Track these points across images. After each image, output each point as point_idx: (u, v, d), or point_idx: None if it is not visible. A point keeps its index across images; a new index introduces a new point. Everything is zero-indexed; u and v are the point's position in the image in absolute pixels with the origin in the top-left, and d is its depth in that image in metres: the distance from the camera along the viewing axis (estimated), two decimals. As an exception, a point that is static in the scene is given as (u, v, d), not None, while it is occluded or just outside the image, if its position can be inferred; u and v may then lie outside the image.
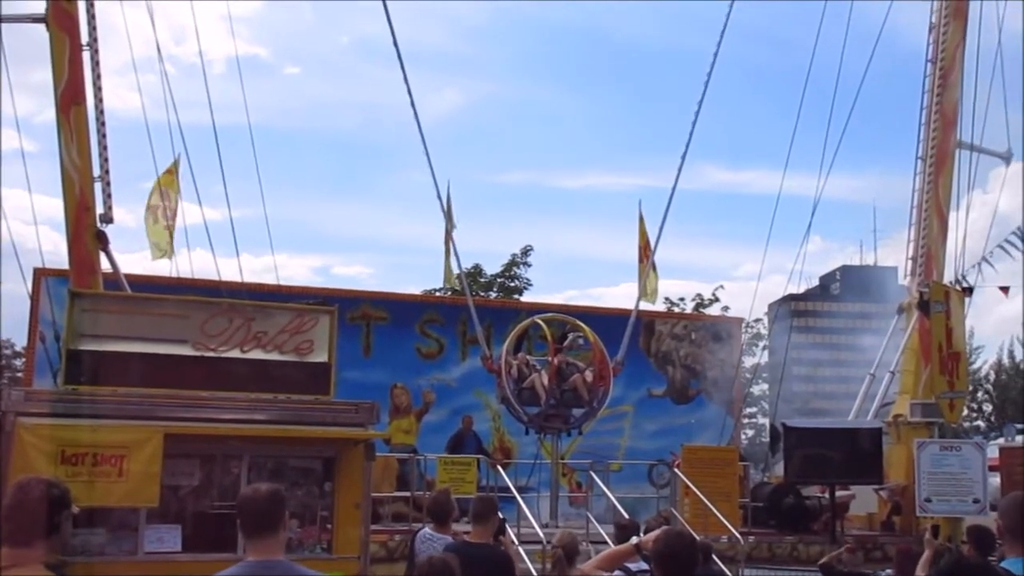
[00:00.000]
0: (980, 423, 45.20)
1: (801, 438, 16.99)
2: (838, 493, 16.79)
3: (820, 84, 20.83)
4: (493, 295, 34.04)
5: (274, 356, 10.07)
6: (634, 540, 5.61)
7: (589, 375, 16.44)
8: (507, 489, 14.71)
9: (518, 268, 35.81)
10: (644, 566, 7.59)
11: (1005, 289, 19.01)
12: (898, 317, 19.14)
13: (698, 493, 15.10)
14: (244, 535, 4.25)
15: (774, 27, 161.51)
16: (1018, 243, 18.92)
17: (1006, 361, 46.03)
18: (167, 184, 16.69)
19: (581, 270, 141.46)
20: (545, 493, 16.55)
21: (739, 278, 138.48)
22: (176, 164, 16.72)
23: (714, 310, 36.76)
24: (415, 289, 35.18)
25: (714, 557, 11.50)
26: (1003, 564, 4.88)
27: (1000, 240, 19.26)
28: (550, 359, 16.49)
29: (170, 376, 9.72)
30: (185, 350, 9.85)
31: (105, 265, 14.87)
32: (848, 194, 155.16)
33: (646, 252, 18.84)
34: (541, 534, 12.57)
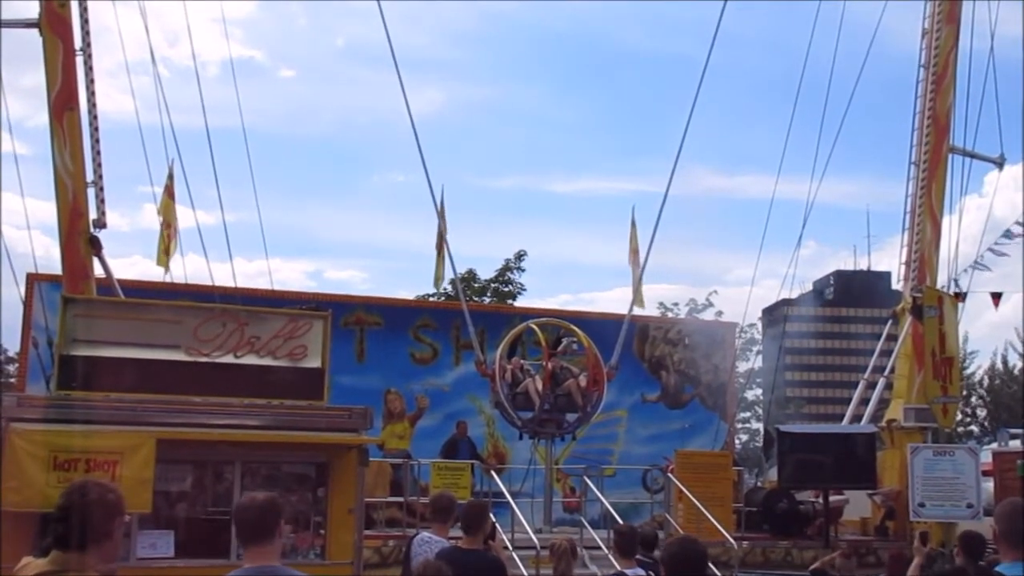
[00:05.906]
0: (974, 428, 45.18)
1: (795, 443, 17.01)
2: (832, 498, 16.78)
3: (813, 88, 20.87)
4: (487, 300, 33.98)
5: (267, 361, 10.06)
6: None
7: (583, 380, 16.41)
8: (501, 494, 14.68)
9: (512, 273, 35.73)
10: (640, 572, 7.63)
11: (997, 297, 19.00)
12: (891, 322, 19.14)
13: (692, 498, 15.07)
14: (240, 542, 4.32)
15: (767, 32, 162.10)
16: (1011, 244, 18.90)
17: (1000, 366, 46.00)
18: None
19: (575, 275, 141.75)
20: (539, 498, 16.52)
21: (732, 283, 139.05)
22: (171, 177, 16.77)
23: (708, 315, 36.71)
24: (408, 294, 35.12)
25: (709, 564, 11.48)
26: (998, 568, 4.87)
27: (993, 244, 19.26)
28: (544, 364, 16.46)
29: (163, 381, 9.72)
30: (178, 355, 9.85)
31: (98, 270, 14.84)
32: (842, 199, 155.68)
33: (635, 258, 18.86)
34: (535, 539, 12.53)
